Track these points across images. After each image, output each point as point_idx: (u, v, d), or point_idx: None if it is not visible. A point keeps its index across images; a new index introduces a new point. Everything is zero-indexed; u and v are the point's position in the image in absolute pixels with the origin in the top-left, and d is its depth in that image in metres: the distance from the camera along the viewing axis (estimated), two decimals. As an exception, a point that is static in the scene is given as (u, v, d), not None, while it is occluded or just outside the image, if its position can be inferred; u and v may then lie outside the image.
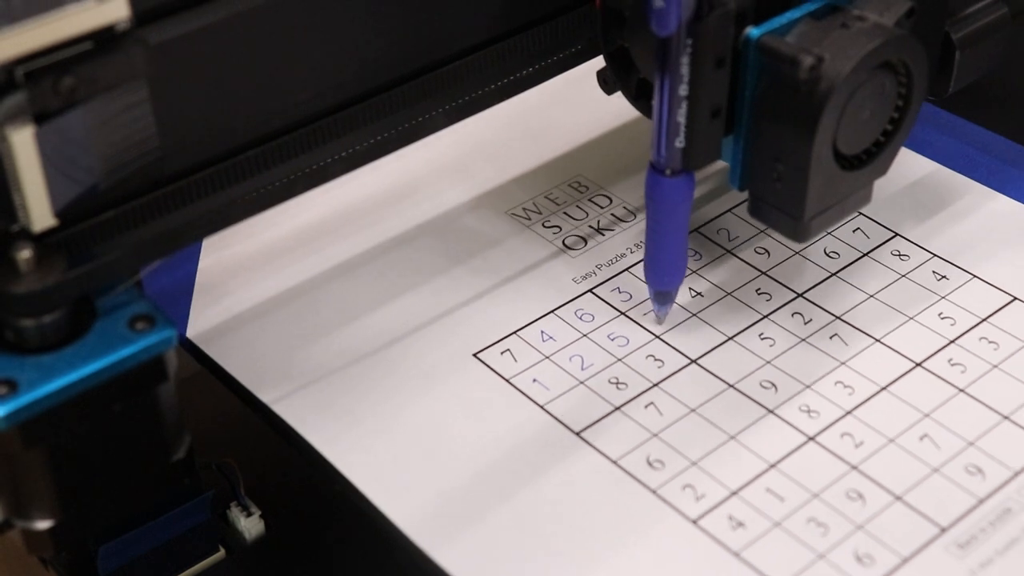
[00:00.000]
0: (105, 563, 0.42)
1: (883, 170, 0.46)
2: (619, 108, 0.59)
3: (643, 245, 0.51)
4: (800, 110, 0.42)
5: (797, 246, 0.52)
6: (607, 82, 0.48)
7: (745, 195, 0.52)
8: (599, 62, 0.48)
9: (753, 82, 0.43)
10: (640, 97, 0.47)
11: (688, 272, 0.51)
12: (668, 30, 0.41)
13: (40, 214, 0.36)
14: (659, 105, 0.43)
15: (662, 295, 0.48)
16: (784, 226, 0.45)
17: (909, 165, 0.55)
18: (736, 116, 0.44)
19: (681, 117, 0.43)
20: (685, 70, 0.42)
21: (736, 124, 0.44)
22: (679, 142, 0.43)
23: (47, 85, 0.34)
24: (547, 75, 0.47)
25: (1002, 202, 0.53)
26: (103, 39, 0.35)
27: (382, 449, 0.45)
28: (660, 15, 0.40)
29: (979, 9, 0.49)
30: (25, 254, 0.36)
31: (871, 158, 0.45)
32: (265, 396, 0.47)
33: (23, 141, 0.34)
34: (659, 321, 0.49)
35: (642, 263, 0.48)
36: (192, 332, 0.49)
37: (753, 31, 0.42)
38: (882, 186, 0.54)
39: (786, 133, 0.43)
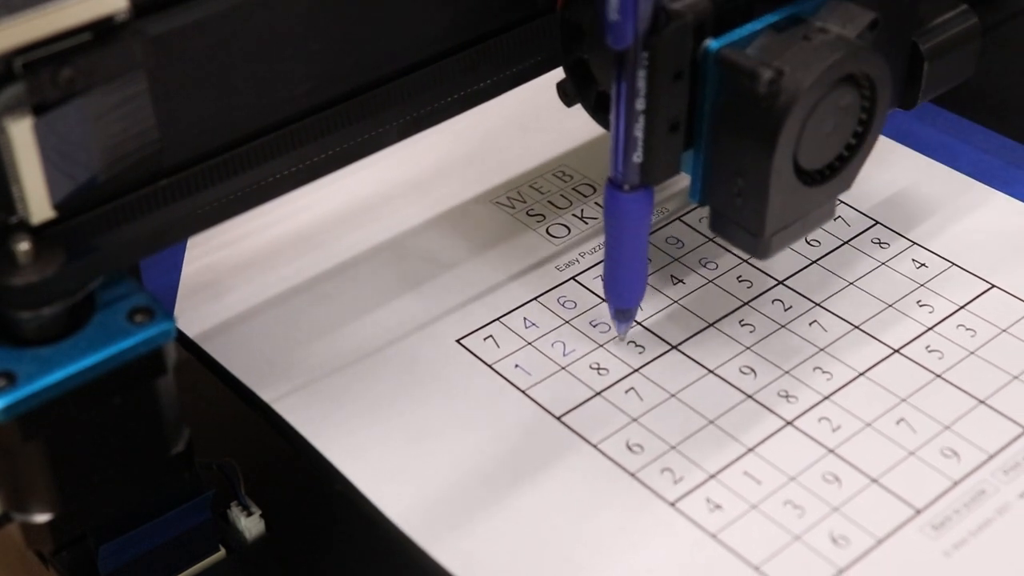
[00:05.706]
0: (105, 562, 0.42)
1: (847, 185, 0.44)
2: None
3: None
4: (759, 124, 0.40)
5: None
6: (567, 94, 0.46)
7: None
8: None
9: (713, 95, 0.41)
10: (600, 110, 0.45)
11: (670, 260, 0.51)
12: (624, 43, 0.39)
13: (39, 206, 0.35)
14: (616, 119, 0.41)
15: (622, 312, 0.47)
16: (745, 242, 0.44)
17: (890, 156, 0.56)
18: (696, 129, 0.42)
19: (639, 132, 0.41)
20: (642, 84, 0.40)
21: (696, 138, 0.42)
22: (637, 157, 0.42)
23: (46, 76, 0.34)
24: (507, 86, 0.46)
25: (978, 190, 0.54)
26: (102, 30, 0.35)
27: (377, 445, 0.45)
28: (616, 28, 0.39)
29: (949, 19, 0.48)
30: (24, 246, 0.36)
31: (834, 173, 0.44)
32: (266, 395, 0.47)
33: (22, 132, 0.34)
34: (621, 339, 0.48)
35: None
36: (193, 330, 0.50)
37: (712, 43, 0.41)
38: (863, 176, 0.54)
39: (746, 147, 0.41)
